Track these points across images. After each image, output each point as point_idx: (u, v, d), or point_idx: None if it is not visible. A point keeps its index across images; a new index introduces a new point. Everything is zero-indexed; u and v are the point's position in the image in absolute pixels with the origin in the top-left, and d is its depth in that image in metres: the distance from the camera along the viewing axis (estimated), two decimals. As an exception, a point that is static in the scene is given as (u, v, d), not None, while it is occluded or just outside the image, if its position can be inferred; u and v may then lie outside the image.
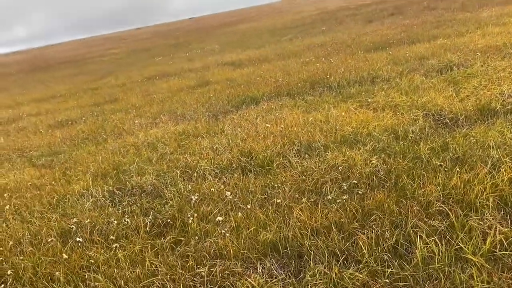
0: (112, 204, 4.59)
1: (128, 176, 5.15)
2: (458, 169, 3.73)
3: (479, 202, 3.25)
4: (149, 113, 8.64)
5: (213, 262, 3.08)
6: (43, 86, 19.06)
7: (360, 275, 2.71)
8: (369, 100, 6.53)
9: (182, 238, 3.49)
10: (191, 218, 3.61)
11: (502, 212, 3.18)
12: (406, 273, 2.69)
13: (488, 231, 2.94)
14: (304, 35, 19.75)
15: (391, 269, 2.74)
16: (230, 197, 3.88)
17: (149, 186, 4.82)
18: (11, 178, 5.86)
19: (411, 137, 4.89)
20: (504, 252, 2.71)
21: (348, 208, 3.46)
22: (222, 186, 4.20)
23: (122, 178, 5.11)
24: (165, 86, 12.16)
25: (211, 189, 4.14)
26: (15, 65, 45.31)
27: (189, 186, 4.36)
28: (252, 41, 22.34)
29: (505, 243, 2.77)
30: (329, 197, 3.67)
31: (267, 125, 5.91)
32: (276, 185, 4.07)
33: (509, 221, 3.07)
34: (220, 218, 3.55)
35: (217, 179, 4.52)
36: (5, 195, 5.03)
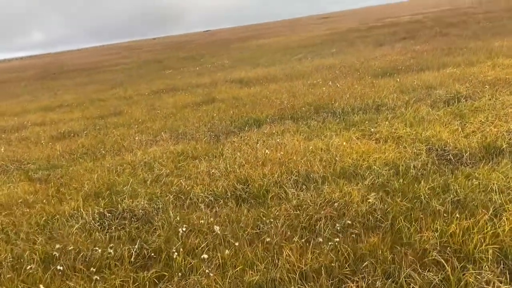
0: (101, 228, 4.50)
1: (121, 198, 5.05)
2: (458, 214, 3.58)
3: (478, 254, 3.08)
4: (150, 130, 8.57)
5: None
6: (53, 94, 19.17)
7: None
8: (372, 129, 6.40)
9: (166, 273, 3.36)
10: (176, 253, 3.48)
11: (501, 265, 3.01)
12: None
13: (485, 287, 2.77)
14: (314, 56, 19.72)
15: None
16: (219, 232, 3.74)
17: (140, 210, 4.72)
18: (4, 192, 5.78)
19: (412, 173, 4.75)
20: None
21: (340, 251, 3.31)
22: (212, 219, 4.06)
23: (114, 200, 5.01)
24: (171, 101, 12.13)
25: (201, 221, 4.01)
26: (29, 71, 45.97)
27: (179, 216, 4.22)
28: (262, 59, 22.37)
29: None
30: (320, 239, 3.52)
31: (266, 151, 5.79)
32: (268, 220, 3.93)
33: (508, 277, 2.90)
34: (206, 256, 3.40)
35: (209, 209, 4.40)
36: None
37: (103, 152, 7.41)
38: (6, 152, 8.18)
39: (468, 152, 5.09)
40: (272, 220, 3.92)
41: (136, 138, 7.89)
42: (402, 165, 4.94)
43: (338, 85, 10.08)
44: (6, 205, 5.32)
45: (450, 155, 5.17)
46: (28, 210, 4.92)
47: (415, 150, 5.37)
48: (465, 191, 4.03)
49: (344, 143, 5.77)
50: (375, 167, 4.93)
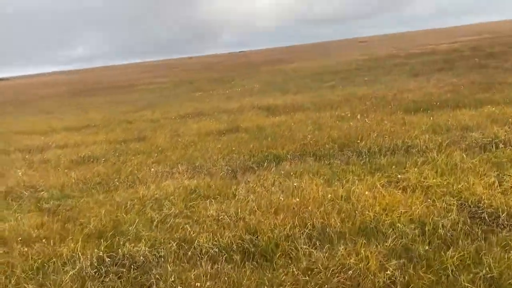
0: (97, 274, 4.22)
1: (123, 240, 4.79)
2: (490, 298, 3.06)
3: None
4: (168, 160, 8.34)
5: None
6: (82, 112, 19.51)
7: None
8: (399, 176, 5.91)
9: None
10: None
11: None
12: None
13: None
14: (346, 83, 19.28)
15: None
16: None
17: (141, 257, 4.42)
18: (11, 224, 5.63)
19: (441, 233, 4.25)
20: None
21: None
22: (210, 283, 3.68)
23: (116, 242, 4.75)
24: (195, 128, 11.95)
25: (198, 283, 3.64)
26: (66, 86, 47.58)
27: (175, 275, 3.87)
28: (293, 84, 22.12)
29: None
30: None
31: (281, 197, 5.40)
32: None
33: None
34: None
35: (210, 264, 4.04)
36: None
37: (117, 183, 7.21)
38: (23, 176, 8.13)
39: (506, 212, 4.54)
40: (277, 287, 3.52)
41: (152, 169, 7.66)
42: (430, 224, 4.45)
43: (367, 120, 9.60)
44: (8, 240, 5.15)
45: (485, 213, 4.63)
46: (27, 249, 4.70)
47: (445, 205, 4.85)
48: (500, 266, 3.50)
49: (367, 192, 5.31)
50: (399, 225, 4.45)
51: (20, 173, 8.37)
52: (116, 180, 7.37)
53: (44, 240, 4.87)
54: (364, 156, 7.14)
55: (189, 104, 17.95)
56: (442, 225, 4.42)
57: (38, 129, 14.78)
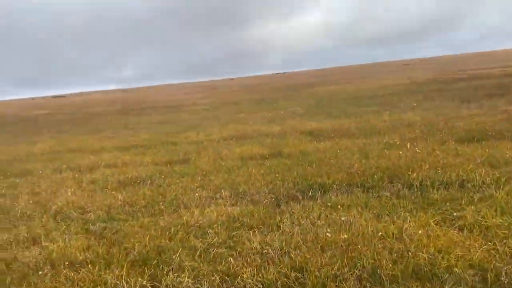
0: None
1: (167, 269, 4.75)
2: None
3: None
4: (212, 185, 8.33)
5: None
6: (130, 132, 20.11)
7: None
8: (454, 213, 5.56)
9: None
10: None
11: None
12: None
13: None
14: (392, 108, 18.80)
15: None
16: None
17: (183, 290, 4.35)
18: (59, 245, 5.76)
19: (504, 282, 3.91)
20: None
21: None
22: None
23: (160, 271, 4.72)
24: (238, 151, 11.96)
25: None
26: (115, 105, 49.49)
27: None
28: (336, 107, 21.87)
29: None
30: None
31: (328, 232, 5.19)
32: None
33: None
34: None
35: (254, 304, 3.90)
36: (40, 273, 4.86)
37: (162, 206, 7.25)
38: (72, 197, 8.37)
39: None
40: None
41: (196, 194, 7.66)
42: (491, 269, 4.11)
43: (417, 150, 9.21)
44: (56, 262, 5.25)
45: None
46: (72, 274, 4.76)
47: (508, 250, 4.48)
48: None
49: (420, 230, 5.01)
50: (457, 269, 4.14)
51: (69, 193, 8.63)
52: (161, 203, 7.42)
53: (89, 265, 4.91)
54: (415, 190, 6.81)
55: (232, 126, 18.09)
56: (505, 272, 4.07)
57: (89, 148, 15.34)
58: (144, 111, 35.29)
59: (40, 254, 5.65)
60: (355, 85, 42.29)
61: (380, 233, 5.05)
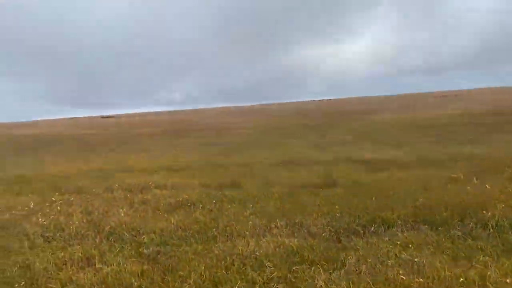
0: None
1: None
2: None
3: None
4: (265, 213, 8.03)
5: None
6: (178, 153, 20.32)
7: None
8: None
9: None
10: None
11: None
12: None
13: None
14: (447, 140, 17.94)
15: None
16: None
17: (245, 329, 4.02)
18: (113, 269, 5.62)
19: None
20: None
21: None
22: None
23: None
24: (288, 177, 11.65)
25: None
26: (162, 126, 50.72)
27: None
28: (387, 137, 21.17)
29: None
30: None
31: (400, 274, 4.73)
32: None
33: None
34: None
35: None
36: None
37: (215, 233, 7.02)
38: (125, 217, 8.32)
39: None
40: None
41: (250, 222, 7.38)
42: None
43: (487, 186, 8.53)
44: (111, 286, 5.09)
45: None
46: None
47: None
48: None
49: (508, 280, 4.45)
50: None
51: (122, 213, 8.60)
52: (214, 229, 7.19)
53: (146, 293, 4.70)
54: (491, 230, 6.19)
55: (280, 151, 17.84)
56: None
57: (139, 168, 15.52)
58: (190, 133, 35.85)
59: (94, 276, 5.53)
60: (407, 114, 41.10)
61: (460, 279, 4.53)
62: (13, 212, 9.22)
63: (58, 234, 7.69)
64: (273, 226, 7.24)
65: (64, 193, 11.81)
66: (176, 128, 44.10)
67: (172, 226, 7.59)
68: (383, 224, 6.86)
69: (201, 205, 9.10)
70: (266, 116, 63.80)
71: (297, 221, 7.36)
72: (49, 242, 7.34)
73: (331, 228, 6.86)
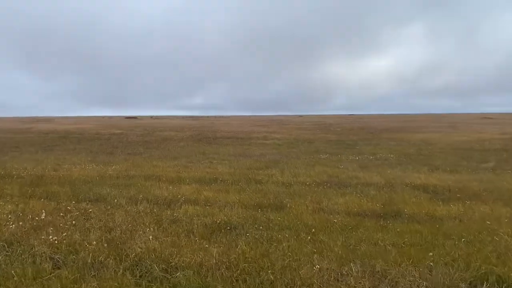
0: None
1: None
2: None
3: None
4: (330, 251, 6.32)
5: None
6: (206, 162, 18.78)
7: None
8: None
9: None
10: None
11: None
12: None
13: None
14: (509, 167, 15.86)
15: None
16: None
17: None
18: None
19: None
20: None
21: None
22: None
23: None
24: (341, 202, 9.92)
25: None
26: (187, 131, 49.49)
27: None
28: (438, 159, 19.17)
29: None
30: None
31: None
32: None
33: None
34: None
35: None
36: None
37: (271, 277, 5.35)
38: (153, 241, 6.73)
39: None
40: None
41: (316, 266, 5.66)
42: None
43: None
44: None
45: None
46: None
47: None
48: None
49: None
50: None
51: (149, 235, 7.02)
52: (268, 270, 5.52)
53: None
54: None
55: (319, 169, 16.08)
56: None
57: (166, 176, 14.02)
58: (216, 140, 34.38)
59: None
60: (443, 136, 38.74)
61: None
62: (21, 223, 7.75)
63: (70, 258, 6.15)
64: (345, 272, 5.53)
65: (81, 200, 10.38)
66: (201, 134, 42.72)
67: (213, 260, 5.95)
68: (499, 284, 5.07)
69: (244, 231, 7.46)
70: (290, 127, 62.02)
71: (377, 269, 5.61)
72: (59, 268, 5.81)
73: (428, 285, 5.10)
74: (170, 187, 12.13)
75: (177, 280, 5.31)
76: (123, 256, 6.14)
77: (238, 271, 5.58)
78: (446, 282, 5.17)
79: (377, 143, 30.93)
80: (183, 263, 5.87)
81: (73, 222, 7.96)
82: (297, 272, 5.49)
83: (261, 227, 7.71)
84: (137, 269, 5.70)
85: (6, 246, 6.60)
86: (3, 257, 6.16)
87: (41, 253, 6.26)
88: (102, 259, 6.03)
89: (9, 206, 9.28)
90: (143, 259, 6.02)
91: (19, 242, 6.79)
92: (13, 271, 5.54)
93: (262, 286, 5.16)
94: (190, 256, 6.10)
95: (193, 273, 5.51)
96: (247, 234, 7.30)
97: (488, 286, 5.01)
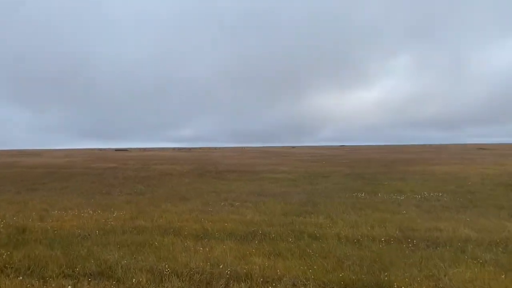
0: None
1: None
2: None
3: None
4: None
5: None
6: (226, 205, 15.45)
7: None
8: None
9: None
10: None
11: None
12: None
13: None
14: None
15: None
16: None
17: None
18: None
19: None
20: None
21: None
22: None
23: None
24: (466, 279, 6.79)
25: None
26: (186, 164, 46.13)
27: None
28: (494, 198, 16.19)
29: None
30: None
31: None
32: None
33: None
34: None
35: None
36: None
37: None
38: None
39: None
40: None
41: None
42: None
43: None
44: None
45: None
46: None
47: None
48: None
49: None
50: None
51: None
52: None
53: None
54: None
55: (377, 215, 12.87)
56: None
57: (187, 229, 10.73)
58: (221, 175, 31.09)
59: None
60: (466, 167, 36.01)
61: None
62: None
63: None
64: None
65: (79, 275, 7.11)
66: (203, 168, 39.39)
67: None
68: None
69: None
70: (293, 160, 59.01)
71: None
72: None
73: None
74: (199, 247, 8.90)
75: None
76: None
77: None
78: None
79: (401, 177, 27.95)
80: None
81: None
82: None
83: None
84: None
85: None
86: None
87: None
88: None
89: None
90: None
91: None
92: None
93: None
94: None
95: None
96: None
97: None
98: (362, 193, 18.78)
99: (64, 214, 13.58)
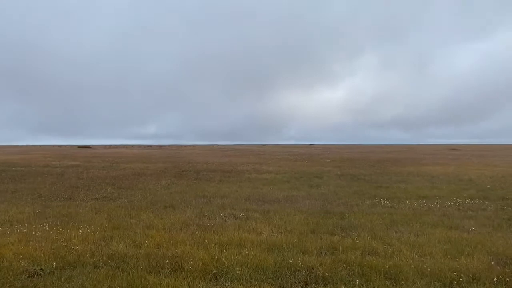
0: None
1: None
2: None
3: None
4: None
5: None
6: (228, 216, 12.10)
7: None
8: None
9: None
10: None
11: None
12: None
13: None
14: None
15: None
16: None
17: None
18: None
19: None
20: None
21: None
22: None
23: None
24: None
25: None
26: (158, 163, 42.16)
27: None
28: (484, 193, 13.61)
29: None
30: None
31: None
32: None
33: None
34: None
35: None
36: None
37: None
38: None
39: None
40: None
41: None
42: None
43: None
44: None
45: None
46: None
47: None
48: None
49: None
50: None
51: None
52: None
53: None
54: None
55: (436, 234, 9.82)
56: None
57: (190, 259, 7.26)
58: (202, 175, 27.51)
59: None
60: (458, 167, 34.05)
61: None
62: None
63: None
64: None
65: None
66: (180, 167, 35.60)
67: None
68: None
69: None
70: (273, 159, 55.96)
71: None
72: None
73: None
74: (201, 275, 5.52)
75: None
76: None
77: None
78: None
79: (403, 179, 25.36)
80: None
81: None
82: None
83: None
84: None
85: None
86: None
87: None
88: None
89: None
90: None
91: None
92: None
93: None
94: None
95: None
96: None
97: None
98: (382, 199, 15.83)
99: (8, 231, 9.83)
